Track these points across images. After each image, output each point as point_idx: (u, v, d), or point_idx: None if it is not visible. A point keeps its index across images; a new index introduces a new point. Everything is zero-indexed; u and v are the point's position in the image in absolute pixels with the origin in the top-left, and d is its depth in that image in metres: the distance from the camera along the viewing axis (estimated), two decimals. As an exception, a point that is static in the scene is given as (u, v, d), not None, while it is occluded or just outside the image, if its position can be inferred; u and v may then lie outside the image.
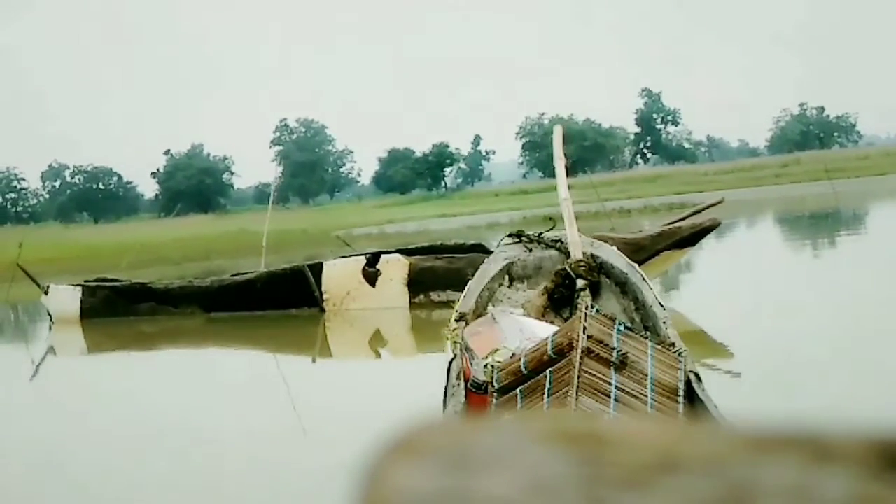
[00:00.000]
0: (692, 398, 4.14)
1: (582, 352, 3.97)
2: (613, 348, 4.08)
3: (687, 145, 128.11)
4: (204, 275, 15.60)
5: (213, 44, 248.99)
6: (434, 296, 12.59)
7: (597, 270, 5.91)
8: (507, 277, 6.15)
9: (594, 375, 3.95)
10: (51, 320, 13.98)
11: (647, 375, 4.06)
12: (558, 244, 6.23)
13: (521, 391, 4.14)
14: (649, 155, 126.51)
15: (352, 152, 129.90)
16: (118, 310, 13.63)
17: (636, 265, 6.02)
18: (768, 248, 19.64)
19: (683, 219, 12.65)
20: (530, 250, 6.26)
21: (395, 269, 12.83)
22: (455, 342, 5.09)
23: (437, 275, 12.66)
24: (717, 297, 11.97)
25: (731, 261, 15.87)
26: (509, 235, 6.48)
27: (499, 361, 4.44)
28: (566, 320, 5.22)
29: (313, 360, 10.66)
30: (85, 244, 40.99)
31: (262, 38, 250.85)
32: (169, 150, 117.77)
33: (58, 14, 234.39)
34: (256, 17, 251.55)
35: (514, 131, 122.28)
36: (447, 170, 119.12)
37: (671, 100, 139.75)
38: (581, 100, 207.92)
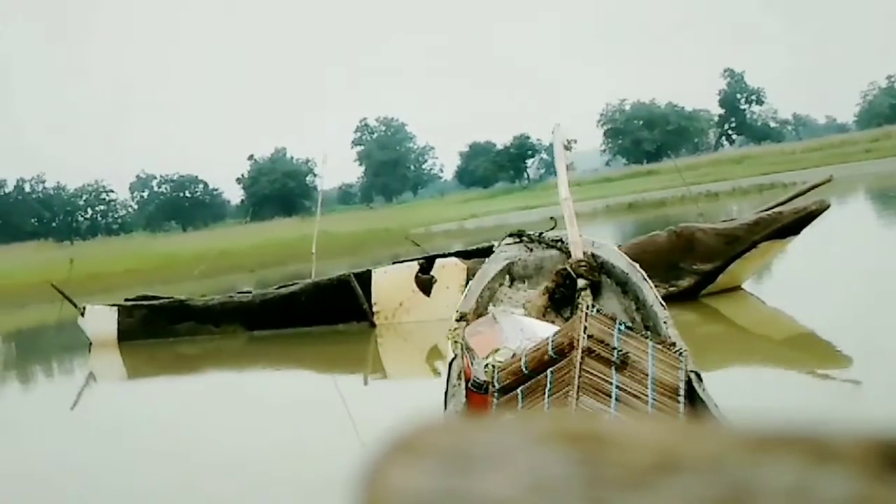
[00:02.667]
0: (693, 398, 4.13)
1: (583, 351, 3.99)
2: (614, 348, 4.08)
3: (773, 124, 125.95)
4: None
5: (290, 47, 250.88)
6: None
7: (598, 270, 5.93)
8: (507, 277, 6.16)
9: (595, 375, 3.97)
10: (89, 343, 13.39)
11: (647, 375, 4.07)
12: (559, 244, 6.24)
13: (521, 391, 4.16)
14: (734, 136, 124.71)
15: (433, 148, 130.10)
16: (157, 330, 12.93)
17: (637, 264, 5.98)
18: (869, 231, 18.39)
19: (784, 202, 11.24)
20: (531, 250, 6.28)
21: (451, 274, 11.63)
22: (456, 342, 5.10)
23: None
24: (821, 291, 10.61)
25: (832, 247, 14.28)
26: (510, 235, 6.46)
27: (499, 361, 4.46)
28: (567, 320, 5.26)
29: (365, 382, 9.62)
30: (167, 253, 41.32)
31: (336, 39, 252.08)
32: (252, 156, 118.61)
33: (132, 27, 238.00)
34: (328, 17, 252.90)
35: (595, 119, 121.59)
36: (529, 161, 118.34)
37: (754, 79, 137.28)
38: (662, 84, 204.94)
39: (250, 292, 13.11)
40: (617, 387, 3.96)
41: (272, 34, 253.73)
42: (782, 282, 12.24)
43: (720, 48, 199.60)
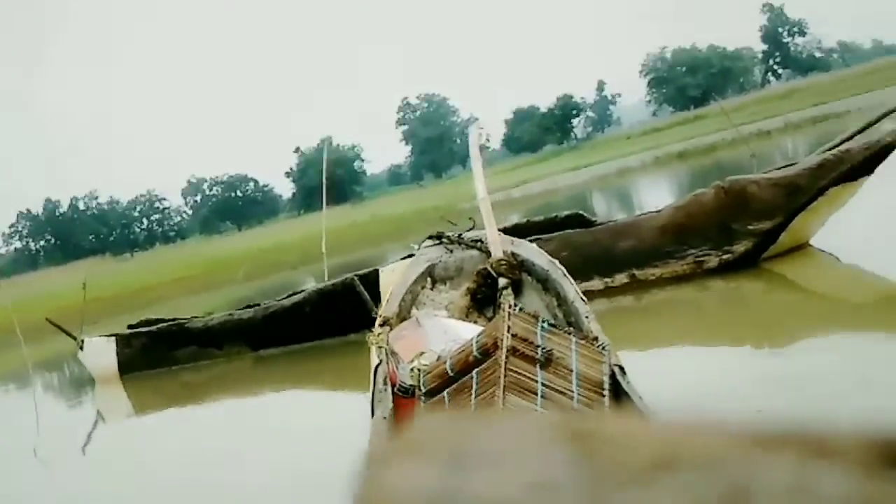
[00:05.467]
0: (617, 391, 4.16)
1: (507, 351, 4.02)
2: (538, 346, 4.10)
3: (818, 54, 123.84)
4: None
5: (321, 36, 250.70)
6: None
7: (518, 268, 5.95)
8: (429, 279, 6.16)
9: (520, 373, 4.00)
10: (92, 378, 12.70)
11: (572, 371, 4.10)
12: (479, 244, 6.22)
13: (448, 393, 4.18)
14: (780, 71, 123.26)
15: (477, 119, 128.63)
16: (158, 359, 12.17)
17: (556, 261, 6.01)
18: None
19: (851, 137, 9.66)
20: (451, 251, 6.27)
21: None
22: (380, 347, 5.07)
23: None
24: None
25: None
26: (429, 237, 6.44)
27: (425, 364, 4.48)
28: (490, 320, 5.32)
29: None
30: (217, 257, 41.27)
31: (365, 22, 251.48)
32: (298, 148, 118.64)
33: (161, 33, 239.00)
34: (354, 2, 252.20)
35: (638, 70, 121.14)
36: (575, 121, 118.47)
37: (795, 10, 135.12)
38: (702, 26, 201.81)
39: (258, 305, 12.12)
40: (542, 384, 3.98)
41: (298, 24, 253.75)
42: (858, 232, 9.98)
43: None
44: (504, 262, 5.91)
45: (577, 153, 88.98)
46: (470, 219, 7.08)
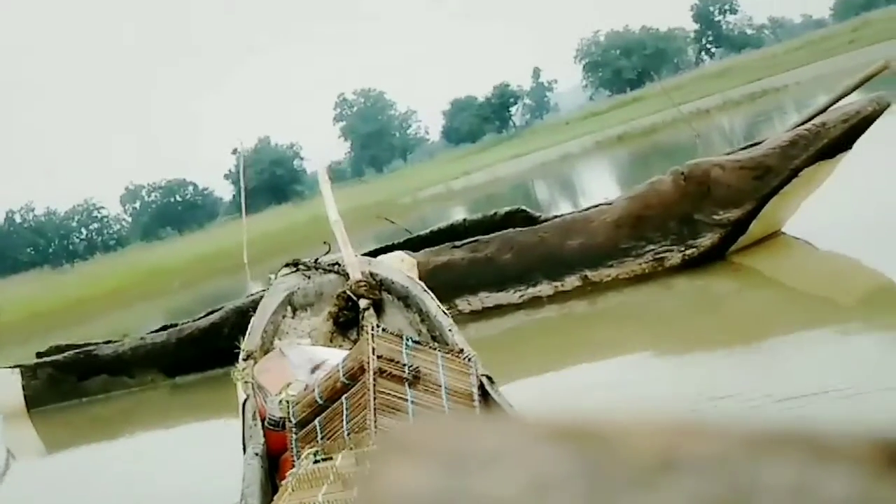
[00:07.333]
0: (487, 401, 4.22)
1: (374, 373, 4.06)
2: (405, 364, 4.14)
3: (750, 31, 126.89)
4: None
5: (253, 34, 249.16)
6: (462, 304, 9.42)
7: (378, 288, 6.03)
8: (289, 308, 6.14)
9: (389, 394, 4.05)
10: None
11: (441, 386, 4.16)
12: (336, 267, 6.26)
13: (319, 421, 4.18)
14: (713, 49, 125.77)
15: (415, 112, 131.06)
16: (66, 391, 11.23)
17: (415, 277, 6.18)
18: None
19: (826, 109, 8.46)
20: (309, 277, 6.29)
21: None
22: (246, 382, 5.07)
23: (459, 272, 9.33)
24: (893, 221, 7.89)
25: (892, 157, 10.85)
26: (286, 265, 6.45)
27: (292, 395, 4.49)
28: (355, 342, 5.31)
29: None
30: (155, 267, 40.46)
31: (294, 17, 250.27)
32: (236, 149, 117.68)
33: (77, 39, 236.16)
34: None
35: (572, 55, 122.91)
36: (513, 109, 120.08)
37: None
38: (633, 9, 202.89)
39: (174, 325, 11.20)
40: (412, 402, 4.03)
41: (227, 22, 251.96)
42: (834, 215, 8.74)
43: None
44: (363, 284, 5.98)
45: (517, 141, 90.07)
46: (325, 242, 6.90)
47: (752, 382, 5.10)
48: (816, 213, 8.64)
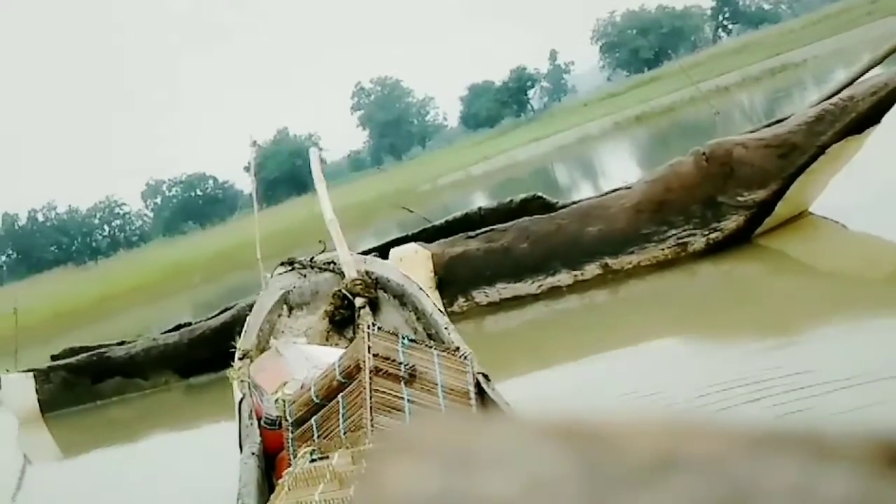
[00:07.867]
0: (483, 399, 4.23)
1: (370, 371, 4.05)
2: (401, 363, 4.14)
3: (767, 6, 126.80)
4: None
5: (273, 29, 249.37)
6: (479, 295, 9.14)
7: (373, 287, 6.03)
8: (285, 307, 6.19)
9: (386, 393, 4.04)
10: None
11: (437, 384, 4.16)
12: (332, 266, 6.29)
13: (315, 420, 4.19)
14: (731, 26, 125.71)
15: (432, 98, 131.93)
16: (80, 395, 11.26)
17: (410, 276, 6.10)
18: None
19: (852, 82, 8.10)
20: (305, 276, 6.33)
21: (413, 267, 8.62)
22: (242, 381, 5.07)
23: (475, 263, 9.06)
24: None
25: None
26: (281, 264, 6.49)
27: (289, 394, 4.51)
28: (351, 340, 5.31)
29: None
30: (175, 262, 40.46)
31: (315, 12, 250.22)
32: (255, 142, 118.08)
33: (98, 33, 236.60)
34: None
35: (588, 36, 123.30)
36: (530, 92, 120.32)
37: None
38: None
39: (189, 324, 11.16)
40: (409, 400, 4.04)
41: (244, 18, 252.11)
42: (865, 193, 8.52)
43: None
44: (359, 282, 5.99)
45: (535, 124, 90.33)
46: (320, 241, 6.82)
47: (787, 369, 4.82)
48: (845, 191, 8.33)
